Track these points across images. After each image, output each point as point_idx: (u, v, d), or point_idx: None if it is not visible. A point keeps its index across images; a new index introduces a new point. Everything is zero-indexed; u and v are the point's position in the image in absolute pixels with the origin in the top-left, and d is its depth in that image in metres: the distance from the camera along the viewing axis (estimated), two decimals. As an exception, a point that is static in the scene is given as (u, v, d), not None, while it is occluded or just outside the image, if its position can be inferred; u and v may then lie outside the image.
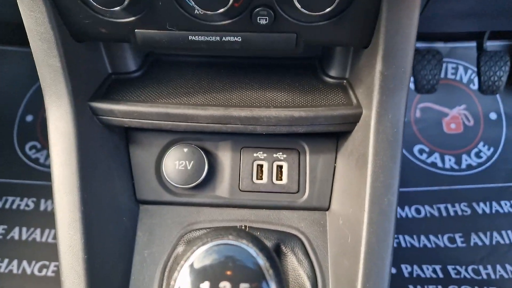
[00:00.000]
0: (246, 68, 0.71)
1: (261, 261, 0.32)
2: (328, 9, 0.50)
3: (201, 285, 0.30)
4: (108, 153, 0.65)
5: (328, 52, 0.68)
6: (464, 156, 1.41)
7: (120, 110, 0.62)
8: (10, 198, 1.40)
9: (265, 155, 0.67)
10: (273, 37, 0.56)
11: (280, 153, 0.67)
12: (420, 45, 1.45)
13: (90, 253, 0.57)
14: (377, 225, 0.53)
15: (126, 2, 0.52)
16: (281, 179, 0.66)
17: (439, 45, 1.48)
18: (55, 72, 0.58)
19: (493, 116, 1.46)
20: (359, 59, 0.62)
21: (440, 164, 1.40)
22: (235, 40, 0.56)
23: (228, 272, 0.31)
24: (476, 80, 1.48)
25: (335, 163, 0.65)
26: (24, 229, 1.34)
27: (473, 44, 1.41)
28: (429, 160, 1.41)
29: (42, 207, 1.38)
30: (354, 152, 0.60)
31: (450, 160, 1.41)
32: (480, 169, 1.39)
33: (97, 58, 0.66)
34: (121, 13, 0.55)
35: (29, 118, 1.56)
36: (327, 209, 0.66)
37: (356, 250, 0.54)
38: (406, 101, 0.58)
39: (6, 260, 1.26)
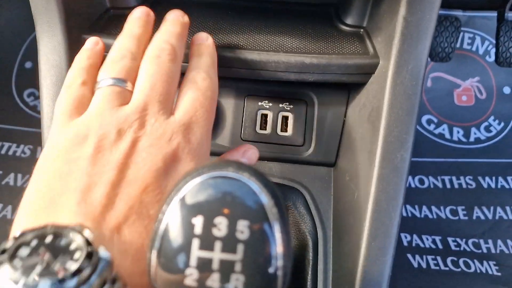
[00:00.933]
0: (255, 12, 0.65)
1: (264, 198, 0.27)
2: None
3: (193, 219, 0.27)
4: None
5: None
6: (473, 129, 1.37)
7: (118, 46, 0.57)
8: (7, 144, 1.38)
9: (270, 104, 0.62)
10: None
11: (287, 103, 0.62)
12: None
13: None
14: (388, 182, 0.50)
15: None
16: (286, 131, 0.62)
17: (457, 13, 1.41)
18: (47, 1, 0.53)
19: (506, 90, 1.41)
20: (379, 6, 0.56)
21: (448, 136, 1.36)
22: (246, -28, 0.51)
23: (225, 208, 0.27)
24: (492, 52, 1.41)
25: (345, 117, 0.61)
26: (19, 176, 1.32)
27: (494, 14, 1.33)
28: (436, 131, 1.36)
29: (38, 155, 1.35)
30: (367, 105, 0.56)
31: (458, 132, 1.36)
32: (488, 143, 1.35)
33: (95, -11, 0.61)
34: None
35: (28, 64, 1.52)
36: (333, 165, 0.62)
37: (363, 207, 0.51)
38: (428, 52, 0.53)
39: (0, 205, 1.25)
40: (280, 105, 0.62)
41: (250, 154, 0.50)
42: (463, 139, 1.35)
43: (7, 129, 1.40)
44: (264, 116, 0.63)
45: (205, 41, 0.52)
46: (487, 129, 1.37)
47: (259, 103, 0.62)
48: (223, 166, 0.29)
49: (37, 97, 1.47)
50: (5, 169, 1.32)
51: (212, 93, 0.46)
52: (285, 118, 0.62)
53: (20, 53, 1.53)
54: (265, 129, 0.62)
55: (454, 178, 1.27)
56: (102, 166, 0.38)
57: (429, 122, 1.38)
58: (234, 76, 0.57)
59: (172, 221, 0.27)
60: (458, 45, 1.43)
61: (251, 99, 0.63)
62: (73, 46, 0.56)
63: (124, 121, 0.40)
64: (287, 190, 0.60)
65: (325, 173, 0.62)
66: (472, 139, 1.36)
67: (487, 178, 1.27)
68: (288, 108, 0.62)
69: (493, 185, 1.25)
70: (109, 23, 0.61)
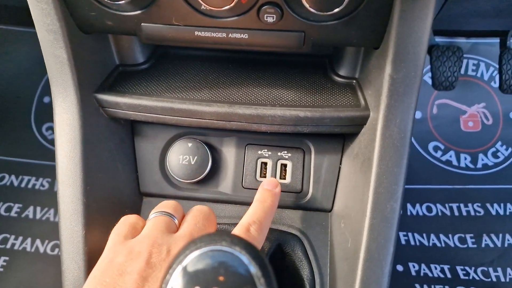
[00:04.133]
0: (254, 63, 0.70)
1: (253, 268, 0.32)
2: (337, 9, 0.49)
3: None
4: (113, 145, 0.65)
5: (338, 50, 0.66)
6: (481, 156, 1.38)
7: (126, 102, 0.62)
8: (26, 178, 1.43)
9: (269, 153, 0.66)
10: (280, 35, 0.55)
11: (285, 152, 0.66)
12: (441, 40, 1.41)
13: (90, 245, 0.58)
14: (378, 232, 0.53)
15: (131, -5, 0.51)
16: (284, 178, 0.66)
17: (460, 40, 1.44)
18: (61, 63, 0.58)
19: (513, 115, 1.42)
20: (369, 60, 0.60)
21: (455, 163, 1.37)
22: (242, 37, 0.55)
23: (220, 278, 0.31)
24: (497, 78, 1.43)
25: (340, 164, 0.64)
26: (38, 208, 1.37)
27: (496, 40, 1.36)
28: (444, 158, 1.38)
29: (56, 188, 1.40)
30: (360, 155, 0.59)
31: (465, 158, 1.37)
32: (496, 169, 1.35)
33: (105, 50, 0.66)
34: (126, 7, 0.54)
35: (46, 99, 1.58)
36: (330, 210, 0.65)
37: (356, 255, 0.53)
38: (416, 106, 0.56)
39: (20, 238, 1.30)
40: (279, 154, 0.66)
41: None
42: (471, 166, 1.36)
43: (26, 163, 1.46)
44: (264, 164, 0.66)
45: (274, 188, 0.60)
46: (495, 155, 1.38)
47: (259, 152, 0.66)
48: (218, 240, 0.33)
49: (55, 131, 1.53)
50: (24, 202, 1.37)
51: (262, 238, 0.53)
52: (284, 166, 0.66)
53: (39, 88, 1.60)
54: (265, 177, 0.66)
55: (462, 205, 1.28)
56: (153, 282, 0.43)
57: (435, 149, 1.39)
58: (234, 128, 0.61)
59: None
60: (462, 71, 1.45)
61: (251, 148, 0.66)
62: (84, 105, 0.61)
63: (174, 242, 0.48)
64: (287, 236, 0.63)
65: (323, 218, 0.65)
66: (479, 165, 1.36)
67: (495, 205, 1.27)
68: (287, 156, 0.66)
69: (501, 212, 1.25)
70: (118, 81, 0.66)
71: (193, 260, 0.33)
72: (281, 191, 0.65)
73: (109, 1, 0.52)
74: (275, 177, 0.66)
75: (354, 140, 0.61)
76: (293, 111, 0.59)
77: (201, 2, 0.50)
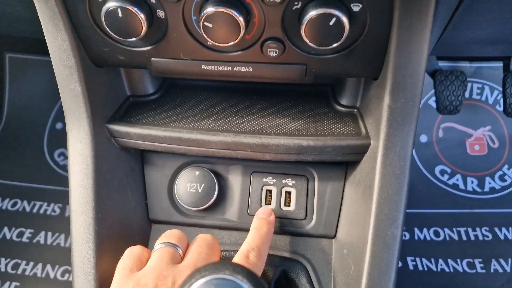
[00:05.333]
0: (259, 93, 0.72)
1: None
2: (335, 44, 0.51)
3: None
4: (123, 174, 0.68)
5: (340, 80, 0.68)
6: (488, 179, 1.38)
7: (136, 133, 0.65)
8: (38, 203, 1.46)
9: (274, 180, 0.68)
10: (282, 68, 0.57)
11: (289, 179, 0.68)
12: (445, 64, 1.43)
13: (101, 272, 0.59)
14: (380, 258, 0.54)
15: (142, 33, 0.54)
16: (289, 205, 0.67)
17: (464, 64, 1.46)
18: (76, 96, 0.61)
19: (519, 138, 1.42)
20: (369, 90, 0.62)
21: (462, 186, 1.37)
22: (246, 70, 0.58)
23: None
24: (502, 101, 1.44)
25: (343, 191, 0.66)
26: (49, 234, 1.39)
27: (500, 64, 1.38)
28: (450, 182, 1.38)
29: (67, 213, 1.43)
30: (361, 183, 0.61)
31: (472, 182, 1.38)
32: (504, 192, 1.35)
33: (117, 82, 0.69)
34: (138, 43, 0.58)
35: (58, 125, 1.62)
36: (333, 237, 0.66)
37: (358, 282, 0.54)
38: (415, 134, 0.58)
39: (31, 263, 1.32)
40: (283, 181, 0.68)
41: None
42: (478, 189, 1.36)
43: (38, 189, 1.49)
44: (269, 192, 0.68)
45: (269, 216, 0.63)
46: (502, 178, 1.38)
47: (264, 179, 0.68)
48: (221, 269, 0.35)
49: (67, 156, 1.57)
50: (36, 227, 1.40)
51: (262, 264, 0.56)
52: (288, 193, 0.68)
53: (52, 114, 1.64)
54: (270, 204, 0.67)
55: (470, 229, 1.28)
56: None
57: (442, 172, 1.40)
58: (240, 157, 0.63)
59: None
60: (467, 95, 1.47)
61: (257, 175, 0.68)
62: (96, 135, 0.63)
63: (178, 273, 0.50)
64: (291, 263, 0.64)
65: (326, 245, 0.66)
66: (487, 188, 1.36)
67: (503, 229, 1.27)
68: (291, 184, 0.67)
69: (510, 236, 1.25)
70: (129, 111, 0.69)
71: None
72: (286, 218, 0.66)
73: (121, 38, 0.55)
74: (280, 204, 0.67)
75: (356, 168, 0.63)
76: (296, 140, 0.61)
77: (207, 38, 0.53)
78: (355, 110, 0.67)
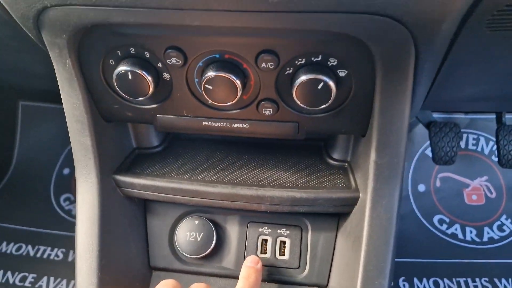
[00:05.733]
0: (256, 147, 0.77)
1: None
2: (324, 106, 0.56)
3: None
4: (127, 222, 0.71)
5: (332, 136, 0.73)
6: (486, 229, 1.39)
7: (140, 183, 0.69)
8: (42, 248, 1.48)
9: (269, 230, 0.71)
10: (277, 125, 0.62)
11: (284, 229, 0.71)
12: (440, 116, 1.49)
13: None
14: (368, 308, 0.56)
15: (149, 93, 0.60)
16: (283, 255, 0.70)
17: (459, 116, 1.51)
18: (86, 149, 0.66)
19: (516, 189, 1.45)
20: (358, 146, 0.67)
21: (460, 236, 1.38)
22: (243, 126, 0.63)
23: None
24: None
25: (335, 241, 0.69)
26: (51, 279, 1.40)
27: (493, 116, 1.43)
28: (449, 231, 1.39)
29: (70, 258, 1.45)
30: (352, 234, 0.64)
31: (471, 232, 1.39)
32: (503, 243, 1.36)
33: (124, 135, 0.74)
34: (145, 101, 0.63)
35: (66, 171, 1.67)
36: (326, 286, 0.68)
37: (348, 331, 0.56)
38: (401, 188, 0.61)
39: (32, 309, 1.32)
40: (278, 231, 0.71)
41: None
42: (477, 239, 1.37)
43: (43, 233, 1.52)
44: (265, 241, 0.71)
45: (256, 265, 0.66)
46: (500, 228, 1.39)
47: (260, 229, 0.71)
48: None
49: (72, 202, 1.60)
50: (39, 272, 1.41)
51: None
52: (283, 243, 0.71)
53: (60, 160, 1.69)
54: (265, 253, 0.70)
55: (469, 280, 1.28)
56: None
57: (440, 222, 1.41)
58: (237, 208, 0.67)
59: None
60: (463, 146, 1.51)
61: (253, 225, 0.72)
62: (103, 185, 0.68)
63: None
64: (285, 311, 0.67)
65: (319, 294, 0.68)
66: (485, 238, 1.37)
67: (503, 280, 1.27)
68: (285, 234, 0.71)
69: (509, 287, 1.25)
70: (134, 163, 0.73)
71: None
72: (280, 267, 0.69)
73: (130, 97, 0.61)
74: (275, 254, 0.70)
75: (347, 219, 0.66)
76: (290, 192, 0.65)
77: (208, 98, 0.59)
78: (346, 164, 0.71)
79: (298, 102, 0.57)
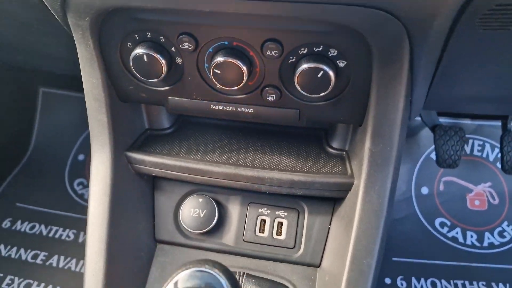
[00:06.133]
0: (260, 133, 0.82)
1: (227, 284, 0.43)
2: (323, 93, 0.61)
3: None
4: (136, 196, 0.77)
5: (332, 126, 0.77)
6: (487, 234, 1.41)
7: (150, 161, 0.74)
8: (54, 228, 1.54)
9: (268, 211, 0.75)
10: (279, 111, 0.67)
11: (282, 211, 0.75)
12: (446, 121, 1.51)
13: (109, 280, 0.67)
14: (355, 285, 0.60)
15: (162, 75, 0.64)
16: (280, 235, 0.74)
17: (465, 122, 1.53)
18: (102, 126, 0.71)
19: (519, 196, 1.46)
20: (355, 135, 0.71)
21: (461, 240, 1.40)
22: (248, 111, 0.68)
23: None
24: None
25: (330, 225, 0.73)
26: (62, 258, 1.46)
27: (499, 123, 1.45)
28: (450, 234, 1.41)
29: (80, 239, 1.51)
30: (345, 217, 0.68)
31: (472, 236, 1.41)
32: (502, 249, 1.38)
33: (137, 116, 0.79)
34: (158, 83, 0.68)
35: (81, 157, 1.73)
36: (318, 266, 0.72)
37: (335, 305, 0.60)
38: (394, 175, 0.65)
39: (42, 284, 1.38)
40: (277, 212, 0.75)
41: None
42: (477, 244, 1.39)
43: (56, 214, 1.58)
44: (263, 221, 0.75)
45: None
46: (501, 234, 1.41)
47: (259, 210, 0.76)
48: (203, 264, 0.43)
49: (85, 186, 1.66)
50: (50, 250, 1.47)
51: None
52: (280, 224, 0.75)
53: (75, 146, 1.75)
54: (263, 233, 0.75)
55: (467, 282, 1.30)
56: None
57: (442, 225, 1.44)
58: (239, 188, 0.71)
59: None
60: (468, 151, 1.53)
61: (253, 206, 0.76)
62: (116, 160, 0.73)
63: None
64: (278, 286, 0.71)
65: (311, 273, 0.72)
66: (485, 243, 1.39)
67: (500, 284, 1.28)
68: (283, 215, 0.75)
69: (506, 292, 1.26)
70: (146, 142, 0.78)
71: (182, 277, 0.43)
72: (276, 246, 0.73)
73: (145, 79, 0.66)
74: (272, 233, 0.74)
75: (342, 204, 0.70)
76: (289, 175, 0.69)
77: (216, 82, 0.63)
78: (344, 152, 0.75)
79: (299, 89, 0.61)
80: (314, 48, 0.59)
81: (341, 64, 0.60)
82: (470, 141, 1.53)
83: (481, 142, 1.53)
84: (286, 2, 0.50)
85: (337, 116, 0.66)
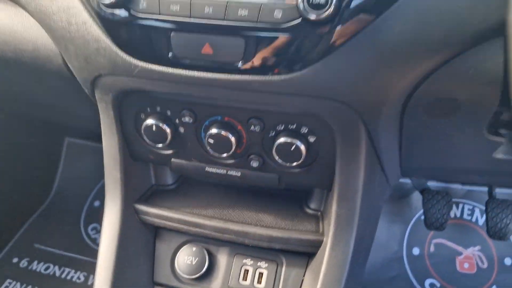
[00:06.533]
0: (250, 192, 0.94)
1: None
2: (296, 163, 0.73)
3: None
4: (140, 243, 0.89)
5: (311, 190, 0.89)
6: (475, 297, 1.45)
7: (154, 212, 0.87)
8: (67, 269, 1.64)
9: (252, 262, 0.86)
10: (262, 175, 0.79)
11: (263, 262, 0.86)
12: (436, 185, 1.60)
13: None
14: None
15: (167, 141, 0.78)
16: (260, 283, 0.85)
17: (456, 186, 1.62)
18: (115, 181, 0.85)
19: (508, 261, 1.51)
20: (328, 198, 0.82)
21: (450, 302, 1.45)
22: (236, 174, 0.81)
23: None
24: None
25: (304, 276, 0.83)
26: (72, 298, 1.55)
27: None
28: (439, 296, 1.46)
29: (90, 282, 1.60)
30: (315, 270, 0.78)
31: (461, 299, 1.45)
32: (490, 312, 1.41)
33: (146, 173, 0.93)
34: (164, 148, 0.82)
35: (96, 203, 1.86)
36: None
37: None
38: (357, 235, 0.76)
39: (49, 325, 1.47)
40: (258, 263, 0.86)
41: None
42: (466, 306, 1.44)
43: (70, 257, 1.68)
44: (246, 271, 0.86)
45: None
46: (490, 298, 1.45)
47: (243, 261, 0.87)
48: None
49: (98, 231, 1.77)
50: (61, 292, 1.57)
51: None
52: (261, 274, 0.85)
53: (92, 193, 1.88)
54: (246, 280, 0.85)
55: None
56: None
57: (432, 286, 1.49)
58: (226, 240, 0.83)
59: None
60: (458, 215, 1.61)
61: (239, 257, 0.87)
62: (125, 211, 0.86)
63: None
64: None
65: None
66: (474, 306, 1.43)
67: None
68: (264, 266, 0.85)
69: None
70: (153, 196, 0.92)
71: None
72: None
73: (153, 143, 0.80)
74: (253, 282, 0.85)
75: (314, 258, 0.81)
76: (269, 231, 0.81)
77: (210, 149, 0.77)
78: (319, 213, 0.87)
79: (277, 158, 0.74)
80: (289, 126, 0.72)
81: (312, 139, 0.73)
82: (460, 205, 1.61)
83: (470, 207, 1.61)
84: (260, 93, 0.64)
85: (310, 182, 0.78)
